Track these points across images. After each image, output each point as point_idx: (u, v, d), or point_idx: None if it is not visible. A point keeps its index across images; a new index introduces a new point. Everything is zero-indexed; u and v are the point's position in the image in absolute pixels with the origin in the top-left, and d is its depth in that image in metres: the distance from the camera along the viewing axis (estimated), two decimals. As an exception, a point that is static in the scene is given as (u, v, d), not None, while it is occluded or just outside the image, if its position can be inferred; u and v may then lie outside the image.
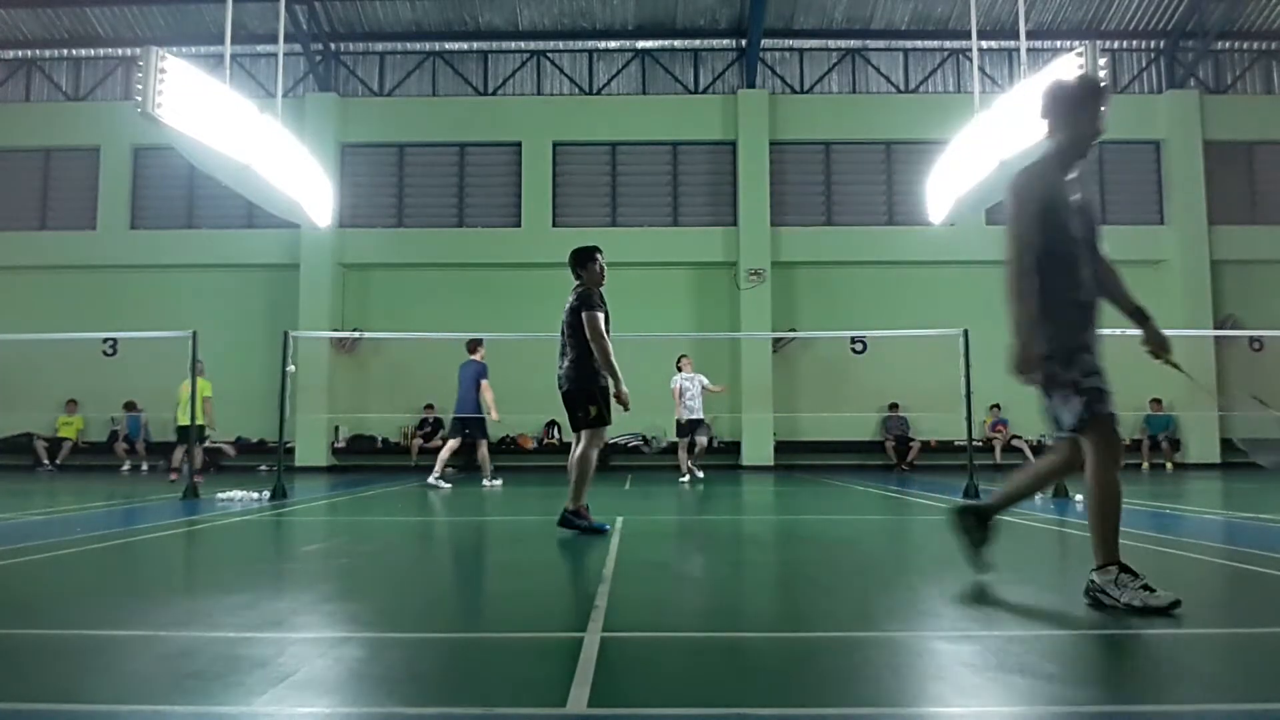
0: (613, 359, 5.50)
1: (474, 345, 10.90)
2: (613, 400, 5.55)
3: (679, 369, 12.08)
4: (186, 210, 16.75)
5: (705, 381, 12.20)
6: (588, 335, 5.50)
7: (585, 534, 5.35)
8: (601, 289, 5.77)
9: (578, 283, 5.77)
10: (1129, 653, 2.51)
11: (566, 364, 5.60)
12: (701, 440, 12.27)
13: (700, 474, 12.11)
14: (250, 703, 2.01)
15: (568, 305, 5.71)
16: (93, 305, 15.96)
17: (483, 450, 11.01)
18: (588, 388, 5.53)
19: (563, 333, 5.69)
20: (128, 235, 16.63)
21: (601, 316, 5.55)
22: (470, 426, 10.73)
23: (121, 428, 15.84)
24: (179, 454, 11.71)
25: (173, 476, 11.53)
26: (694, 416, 12.00)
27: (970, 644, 2.55)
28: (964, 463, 8.71)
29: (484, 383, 10.64)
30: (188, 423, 11.19)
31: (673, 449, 16.19)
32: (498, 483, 10.91)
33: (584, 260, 5.79)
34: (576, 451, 5.57)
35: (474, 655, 2.55)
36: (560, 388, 5.66)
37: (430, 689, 2.17)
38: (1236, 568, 4.18)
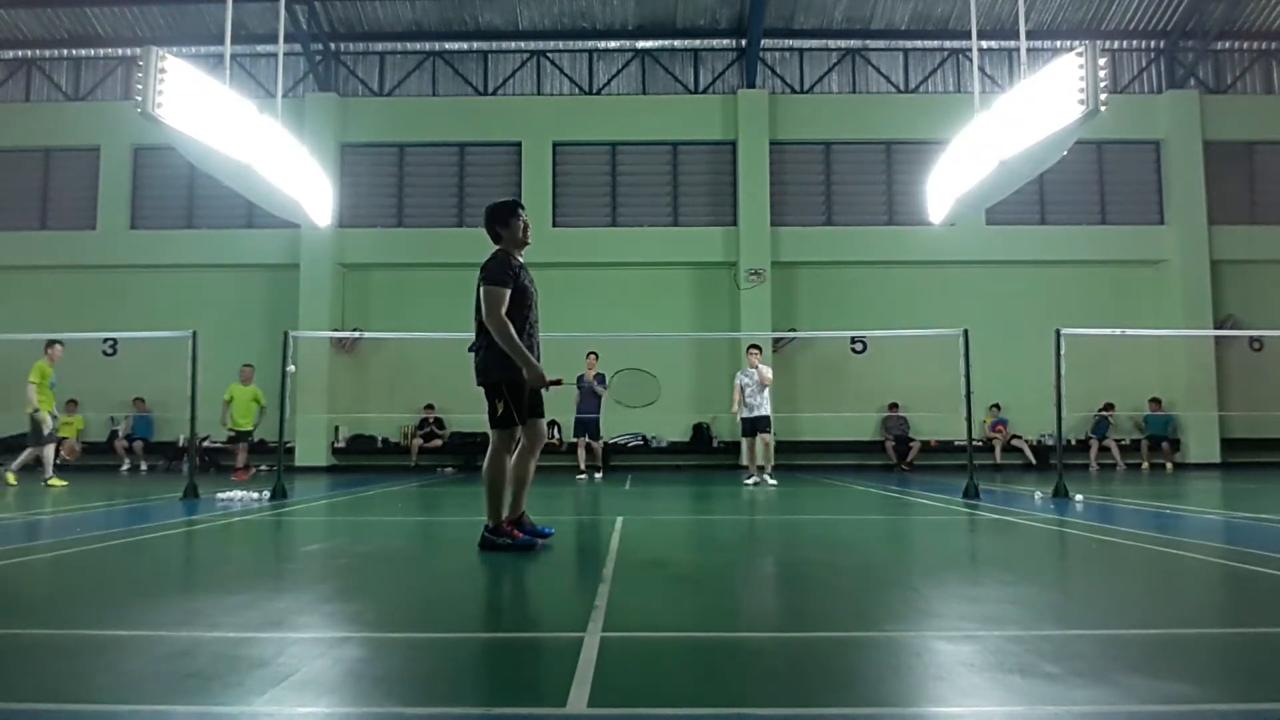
0: (515, 339, 4.48)
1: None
2: (543, 390, 4.64)
3: (752, 365, 11.35)
4: (186, 210, 16.75)
5: (766, 372, 11.29)
6: (483, 313, 4.51)
7: (513, 552, 4.54)
8: (521, 255, 4.81)
9: (497, 249, 4.77)
10: (1128, 652, 2.51)
11: (479, 352, 4.67)
12: (764, 439, 11.23)
13: (770, 479, 11.04)
14: (250, 703, 2.01)
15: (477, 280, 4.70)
16: (93, 305, 15.97)
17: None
18: (496, 380, 4.60)
19: (476, 311, 4.69)
20: (128, 235, 16.63)
21: (506, 292, 4.51)
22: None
23: (125, 427, 15.86)
24: (242, 455, 12.60)
25: (242, 476, 11.99)
26: (754, 414, 11.17)
27: (970, 644, 2.55)
28: (964, 463, 8.71)
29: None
30: (246, 426, 12.56)
31: (672, 449, 16.28)
32: (584, 477, 12.59)
33: (504, 217, 4.80)
34: (487, 457, 4.69)
35: (474, 655, 2.56)
36: (477, 377, 4.74)
37: (430, 689, 2.17)
38: (1236, 568, 4.18)
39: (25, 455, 10.98)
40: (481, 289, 4.55)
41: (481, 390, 4.75)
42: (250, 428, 12.74)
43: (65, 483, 10.65)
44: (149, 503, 8.51)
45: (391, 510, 7.91)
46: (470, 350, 4.77)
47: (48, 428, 10.84)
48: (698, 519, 7.26)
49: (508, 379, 4.59)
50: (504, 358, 4.55)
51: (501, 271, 4.59)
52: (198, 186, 16.15)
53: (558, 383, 4.72)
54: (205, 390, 8.90)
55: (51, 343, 11.08)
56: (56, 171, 17.03)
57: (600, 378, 12.46)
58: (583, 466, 12.85)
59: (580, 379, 12.49)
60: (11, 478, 10.57)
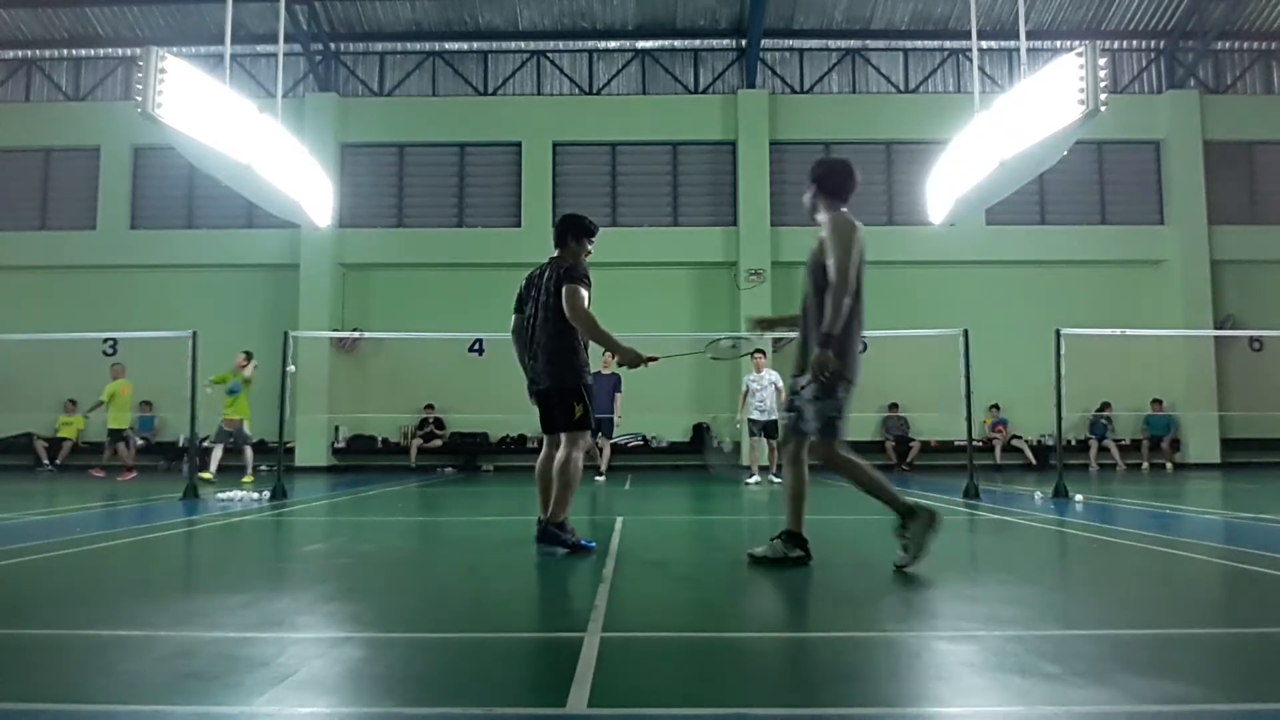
0: (606, 331, 4.66)
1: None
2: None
3: (756, 368, 11.81)
4: (186, 210, 16.74)
5: (778, 383, 11.55)
6: (568, 312, 4.55)
7: (575, 553, 4.56)
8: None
9: (558, 255, 4.84)
10: (1128, 653, 2.51)
11: (548, 355, 4.68)
12: (772, 443, 11.51)
13: (776, 478, 11.31)
14: (250, 703, 2.01)
15: (543, 281, 4.76)
16: (93, 305, 15.95)
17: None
18: (575, 384, 4.71)
19: (535, 316, 4.74)
20: (128, 235, 16.62)
21: (587, 295, 4.65)
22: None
23: (132, 427, 15.85)
24: (123, 451, 12.79)
25: (98, 475, 12.39)
26: (766, 418, 11.43)
27: (970, 644, 2.55)
28: (964, 463, 8.71)
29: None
30: (117, 425, 12.84)
31: (672, 449, 16.28)
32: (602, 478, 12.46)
33: (580, 232, 4.87)
34: (559, 457, 4.70)
35: (474, 655, 2.56)
36: (537, 384, 4.78)
37: (430, 689, 2.17)
38: (1236, 568, 4.18)
39: (249, 457, 11.63)
40: (568, 288, 4.58)
41: (521, 392, 4.87)
42: (127, 425, 13.07)
43: (209, 475, 11.05)
44: (149, 503, 8.51)
45: (391, 510, 7.91)
46: (534, 355, 4.75)
47: (232, 428, 11.57)
48: (697, 519, 7.26)
49: (585, 381, 4.74)
50: (579, 362, 4.70)
51: (587, 274, 4.73)
52: (198, 186, 16.13)
53: (654, 359, 4.75)
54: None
55: (245, 354, 11.87)
56: (56, 171, 17.01)
57: (616, 378, 12.68)
58: (602, 467, 13.05)
59: (597, 376, 12.71)
60: (248, 478, 11.12)
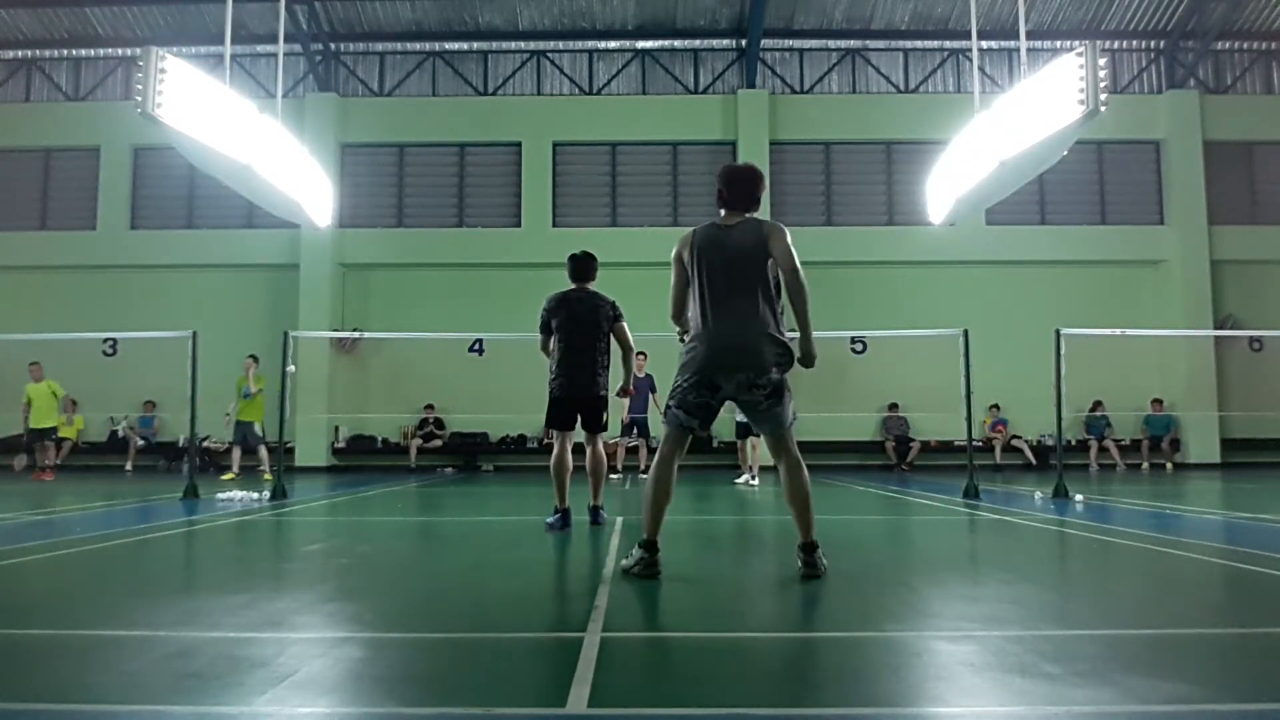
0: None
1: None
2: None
3: None
4: (186, 210, 16.75)
5: None
6: (628, 342, 5.96)
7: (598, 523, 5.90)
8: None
9: (584, 285, 5.97)
10: (1128, 652, 2.51)
11: (595, 369, 5.83)
12: (754, 441, 11.31)
13: (754, 480, 11.20)
14: (250, 703, 2.01)
15: (584, 310, 5.86)
16: (93, 305, 15.94)
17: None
18: (606, 394, 5.92)
19: (581, 336, 5.81)
20: (128, 235, 16.62)
21: None
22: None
23: (126, 426, 15.84)
24: (51, 453, 13.11)
25: (49, 475, 12.50)
26: (740, 419, 11.36)
27: (970, 644, 2.55)
28: (964, 463, 8.71)
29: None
30: (50, 424, 13.04)
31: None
32: (617, 476, 12.60)
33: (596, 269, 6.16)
34: (595, 454, 5.95)
35: (474, 655, 2.56)
36: (587, 390, 5.82)
37: (430, 689, 2.17)
38: (1236, 568, 4.18)
39: (263, 456, 12.26)
40: (621, 326, 5.91)
41: (564, 399, 5.83)
42: (53, 424, 13.17)
43: (233, 475, 12.08)
44: (148, 503, 8.51)
45: (391, 510, 7.91)
46: (578, 367, 5.79)
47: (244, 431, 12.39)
48: (697, 519, 7.25)
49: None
50: (605, 377, 5.88)
51: None
52: (198, 186, 16.13)
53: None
54: (206, 391, 8.90)
55: (251, 357, 12.59)
56: (56, 171, 17.01)
57: (649, 379, 12.73)
58: (619, 467, 13.26)
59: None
60: (229, 475, 12.02)
